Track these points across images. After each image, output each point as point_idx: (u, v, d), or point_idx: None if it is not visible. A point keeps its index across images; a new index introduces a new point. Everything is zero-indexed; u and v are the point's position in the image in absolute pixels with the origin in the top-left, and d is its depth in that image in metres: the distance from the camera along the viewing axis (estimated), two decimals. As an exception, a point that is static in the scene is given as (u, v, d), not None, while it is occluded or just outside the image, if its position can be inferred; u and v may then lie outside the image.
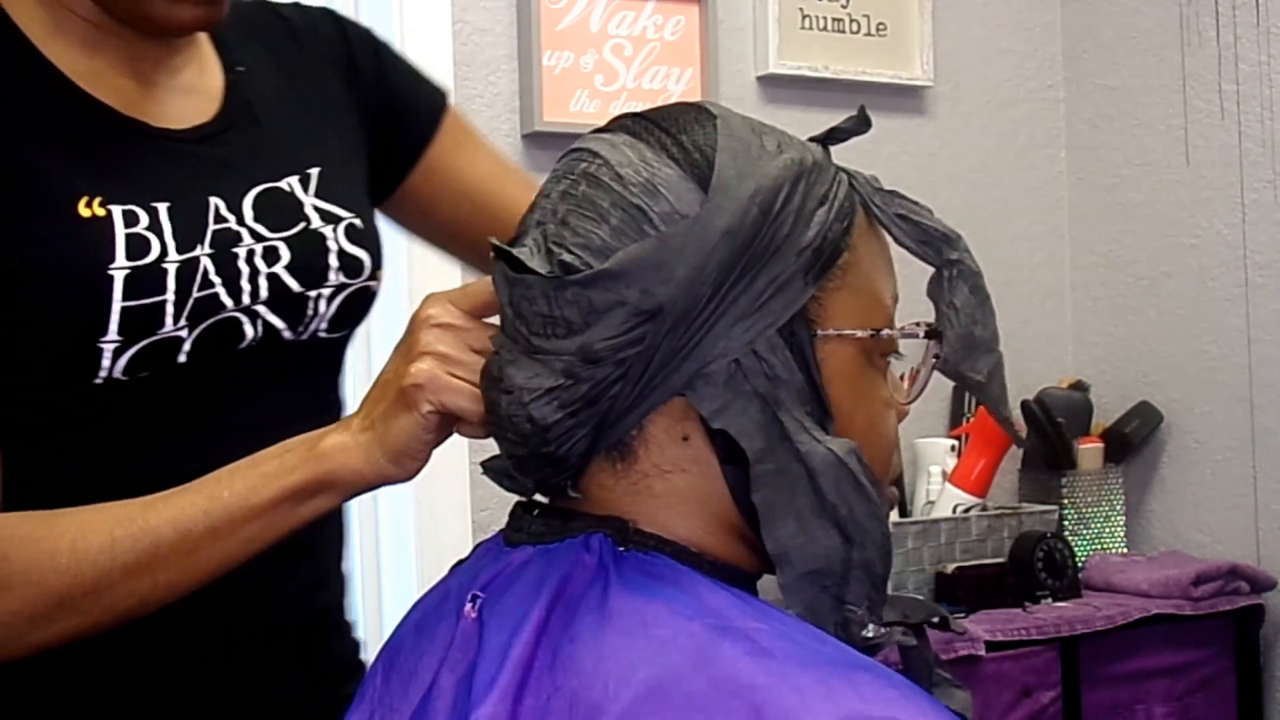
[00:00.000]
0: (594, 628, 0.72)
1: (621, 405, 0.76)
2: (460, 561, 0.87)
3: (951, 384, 2.67)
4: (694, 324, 0.75)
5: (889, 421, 0.83)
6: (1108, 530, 2.67)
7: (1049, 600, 2.39)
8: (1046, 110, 2.91)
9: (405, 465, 0.88)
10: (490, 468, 0.84)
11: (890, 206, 0.82)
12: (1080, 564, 2.53)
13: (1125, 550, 2.68)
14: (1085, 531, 2.64)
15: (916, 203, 0.83)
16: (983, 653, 2.19)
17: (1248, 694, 2.48)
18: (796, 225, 0.77)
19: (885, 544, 0.79)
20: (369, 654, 1.05)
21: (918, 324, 0.83)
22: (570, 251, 0.76)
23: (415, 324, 0.87)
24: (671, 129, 0.79)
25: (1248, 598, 2.46)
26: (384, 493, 2.35)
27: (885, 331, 0.80)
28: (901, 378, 0.86)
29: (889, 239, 0.83)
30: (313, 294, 1.05)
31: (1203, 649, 2.44)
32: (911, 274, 0.89)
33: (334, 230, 1.07)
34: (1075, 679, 2.29)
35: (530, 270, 0.76)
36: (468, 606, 0.79)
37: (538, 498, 0.85)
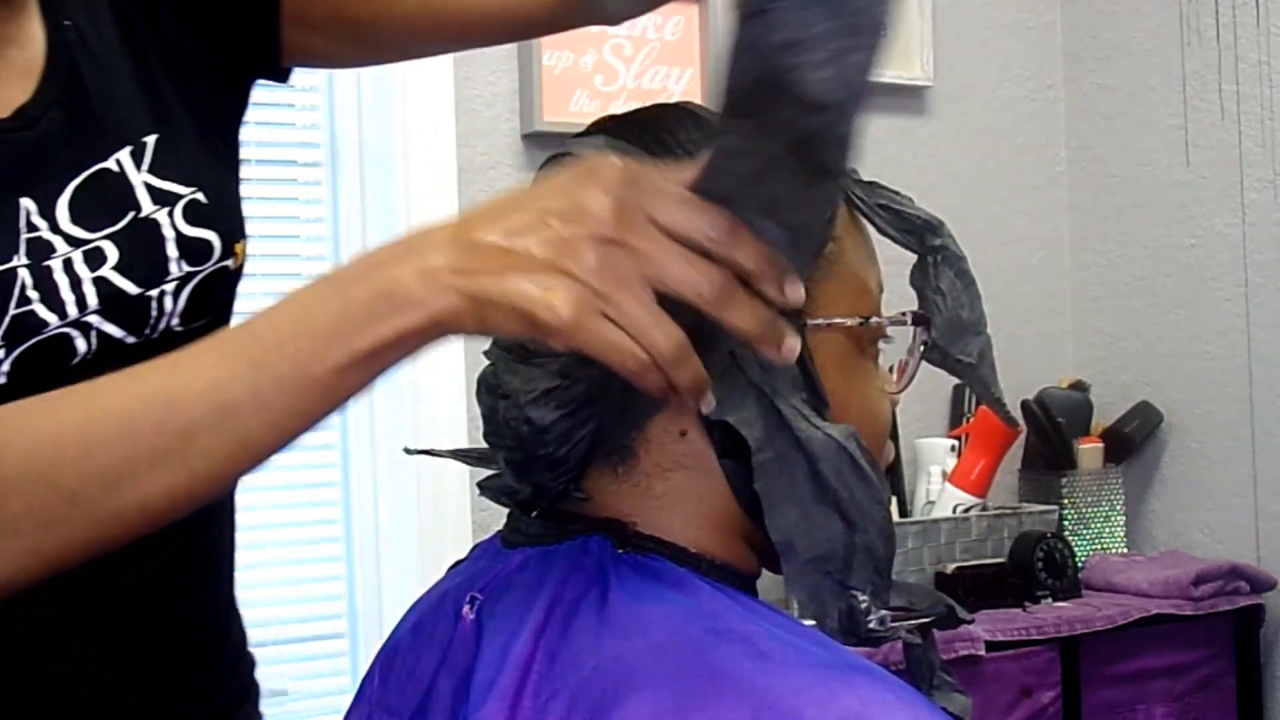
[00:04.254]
0: (592, 630, 0.72)
1: (618, 404, 0.76)
2: (458, 562, 0.87)
3: (951, 384, 2.68)
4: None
5: (883, 407, 0.84)
6: (1108, 530, 2.67)
7: (1049, 600, 2.39)
8: (1046, 110, 2.91)
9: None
10: (487, 486, 0.84)
11: (871, 197, 0.83)
12: (1080, 564, 2.53)
13: (1125, 550, 2.68)
14: (1085, 531, 2.64)
15: (897, 192, 0.84)
16: (983, 653, 2.19)
17: (1248, 694, 2.48)
18: None
19: (887, 527, 0.79)
20: (364, 657, 1.03)
21: (904, 313, 0.84)
22: None
23: (594, 193, 0.65)
24: (652, 127, 0.80)
25: (1248, 598, 2.46)
26: (384, 493, 2.36)
27: (874, 319, 0.81)
28: (890, 370, 0.86)
29: (871, 229, 0.84)
30: (154, 293, 0.93)
31: (1203, 649, 2.44)
32: (895, 270, 0.89)
33: (169, 213, 0.94)
34: (1075, 679, 2.29)
35: None
36: (466, 608, 0.79)
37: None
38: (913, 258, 0.86)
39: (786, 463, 0.76)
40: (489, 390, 0.80)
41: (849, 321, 0.79)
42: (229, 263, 0.97)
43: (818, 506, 0.76)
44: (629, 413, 0.77)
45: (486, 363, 0.82)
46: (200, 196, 0.96)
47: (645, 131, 0.80)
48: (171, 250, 0.93)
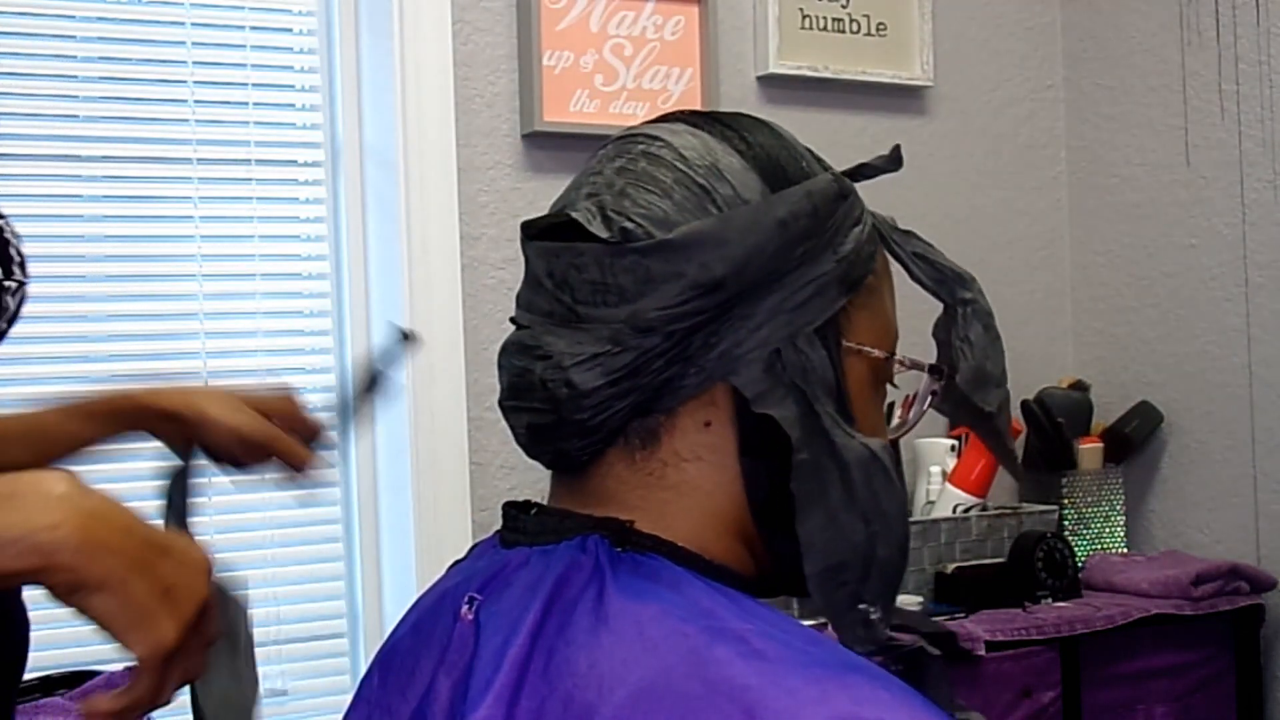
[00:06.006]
0: (589, 629, 0.72)
1: (659, 380, 0.77)
2: (457, 561, 0.87)
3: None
4: (743, 307, 0.77)
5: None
6: (1108, 530, 2.67)
7: (1049, 600, 2.39)
8: (1046, 110, 2.91)
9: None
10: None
11: (907, 245, 0.86)
12: (1080, 564, 2.53)
13: (1125, 550, 2.68)
14: (1085, 531, 2.64)
15: (930, 244, 0.87)
16: (983, 653, 2.19)
17: (1248, 694, 2.48)
18: (838, 234, 0.80)
19: (905, 543, 0.81)
20: (364, 657, 1.02)
21: (925, 363, 0.87)
22: (632, 220, 0.77)
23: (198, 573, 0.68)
24: (733, 125, 0.83)
25: (1248, 598, 2.46)
26: (384, 492, 2.36)
27: (897, 357, 0.83)
28: (890, 408, 0.88)
29: (904, 275, 0.86)
30: (11, 284, 1.00)
31: (1203, 649, 2.44)
32: (905, 315, 0.91)
33: (5, 223, 1.02)
34: (1075, 679, 2.29)
35: (588, 236, 0.77)
36: (464, 608, 0.79)
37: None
38: (918, 306, 0.88)
39: (819, 469, 0.78)
40: (523, 351, 0.80)
41: (876, 352, 0.82)
42: (28, 288, 1.03)
43: (845, 515, 0.79)
44: (664, 393, 0.77)
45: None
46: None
47: (726, 127, 0.82)
48: (14, 254, 1.00)
